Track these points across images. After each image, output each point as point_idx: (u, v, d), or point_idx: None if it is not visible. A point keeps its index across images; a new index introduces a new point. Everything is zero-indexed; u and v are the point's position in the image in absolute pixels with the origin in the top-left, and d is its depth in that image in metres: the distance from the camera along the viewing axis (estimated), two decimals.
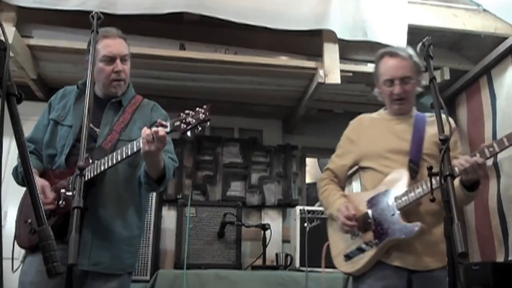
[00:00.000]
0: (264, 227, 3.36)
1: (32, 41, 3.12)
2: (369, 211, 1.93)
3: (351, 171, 2.18)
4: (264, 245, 3.33)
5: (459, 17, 3.44)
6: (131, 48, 2.05)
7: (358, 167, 2.10)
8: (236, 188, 3.88)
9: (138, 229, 1.97)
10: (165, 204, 3.69)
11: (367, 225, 1.92)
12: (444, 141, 1.47)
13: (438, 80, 3.60)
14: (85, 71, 1.67)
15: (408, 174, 1.89)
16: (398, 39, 3.24)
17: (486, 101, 3.61)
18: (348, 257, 1.95)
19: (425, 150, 1.93)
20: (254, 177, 3.94)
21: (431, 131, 1.97)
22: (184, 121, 1.72)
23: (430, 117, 2.04)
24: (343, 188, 2.15)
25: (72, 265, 1.26)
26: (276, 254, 3.39)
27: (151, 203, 3.21)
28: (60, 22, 3.25)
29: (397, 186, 1.89)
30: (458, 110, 4.00)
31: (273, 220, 3.81)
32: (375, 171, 1.99)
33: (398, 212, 1.85)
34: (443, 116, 2.06)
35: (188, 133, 1.73)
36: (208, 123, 1.74)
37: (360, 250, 1.91)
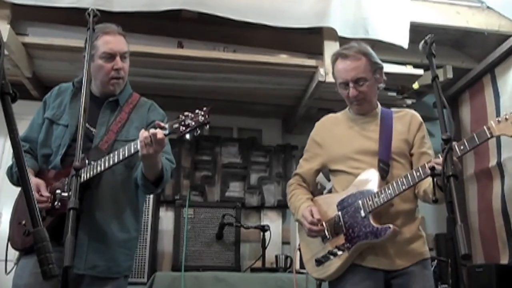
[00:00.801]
0: (264, 229, 3.32)
1: (27, 39, 3.08)
2: (339, 214, 1.88)
3: None
4: (264, 247, 3.29)
5: (462, 15, 3.41)
6: None
7: (329, 171, 2.06)
8: (235, 189, 3.84)
9: (135, 231, 1.95)
10: (162, 205, 3.65)
11: (338, 228, 1.86)
12: (447, 141, 1.43)
13: (441, 78, 3.58)
14: (82, 69, 1.63)
15: (378, 174, 1.84)
16: (400, 37, 3.22)
17: (490, 100, 3.59)
18: (319, 262, 1.90)
19: (394, 149, 1.89)
20: (253, 178, 3.90)
21: (399, 128, 1.93)
22: (183, 123, 1.69)
23: (396, 112, 2.00)
24: (312, 193, 2.09)
25: (67, 267, 1.24)
26: (276, 256, 3.35)
27: (148, 204, 3.19)
28: (55, 20, 3.21)
29: (368, 187, 1.83)
30: (461, 109, 3.98)
31: (272, 221, 3.77)
32: (345, 173, 1.94)
33: (369, 214, 1.79)
34: (407, 111, 2.02)
35: (187, 136, 1.70)
36: (208, 126, 1.70)
37: (332, 255, 1.86)
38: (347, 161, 1.93)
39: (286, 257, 3.30)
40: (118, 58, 1.92)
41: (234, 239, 3.26)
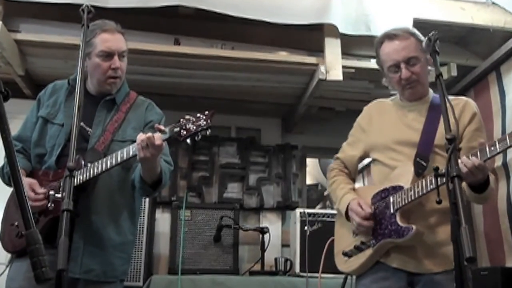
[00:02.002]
0: (263, 231, 3.28)
1: (19, 36, 3.03)
2: (373, 208, 1.83)
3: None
4: (263, 250, 3.25)
5: (467, 11, 3.34)
6: None
7: (372, 160, 1.99)
8: (233, 190, 3.79)
9: (132, 234, 1.93)
10: (158, 206, 3.61)
11: None
12: (451, 140, 1.37)
13: (445, 76, 3.52)
14: (77, 67, 1.59)
15: (413, 170, 1.76)
16: None
17: (495, 99, 3.53)
18: (347, 255, 1.86)
19: (437, 142, 1.78)
20: (252, 178, 3.85)
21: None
22: (184, 127, 1.66)
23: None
24: (354, 180, 2.03)
25: (61, 271, 1.20)
26: (275, 259, 3.29)
27: (144, 205, 3.14)
28: (49, 16, 3.17)
29: (400, 183, 1.77)
30: None
31: (272, 223, 3.73)
32: (383, 165, 1.87)
33: (396, 211, 1.73)
34: (462, 99, 1.89)
35: (188, 140, 1.68)
36: (209, 131, 1.67)
37: (358, 249, 1.82)
38: (386, 151, 1.86)
39: (286, 260, 3.25)
40: (116, 57, 1.90)
41: (232, 241, 3.21)
